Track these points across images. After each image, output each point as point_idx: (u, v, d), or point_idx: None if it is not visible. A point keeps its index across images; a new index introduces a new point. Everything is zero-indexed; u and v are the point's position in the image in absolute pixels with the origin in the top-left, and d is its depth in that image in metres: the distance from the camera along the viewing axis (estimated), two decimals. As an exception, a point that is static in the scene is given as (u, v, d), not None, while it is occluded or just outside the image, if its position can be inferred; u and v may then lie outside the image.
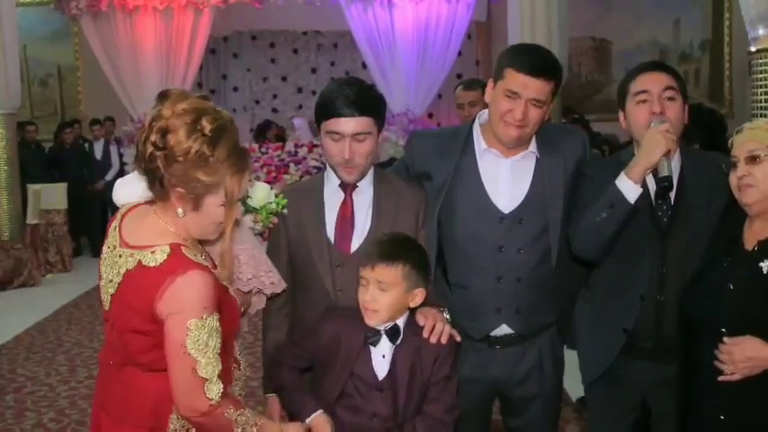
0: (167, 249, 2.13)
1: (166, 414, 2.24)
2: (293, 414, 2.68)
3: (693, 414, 2.67)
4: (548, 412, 3.09)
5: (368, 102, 2.72)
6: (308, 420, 2.56)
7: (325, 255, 2.81)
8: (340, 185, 2.84)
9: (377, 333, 2.58)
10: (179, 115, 2.10)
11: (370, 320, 2.57)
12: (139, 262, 2.14)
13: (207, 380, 2.12)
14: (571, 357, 3.13)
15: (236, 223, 2.35)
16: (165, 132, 2.10)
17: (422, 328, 2.63)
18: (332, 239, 2.83)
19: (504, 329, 2.95)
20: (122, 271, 2.18)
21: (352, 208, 2.85)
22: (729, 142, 2.63)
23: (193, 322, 2.08)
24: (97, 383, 2.45)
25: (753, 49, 4.29)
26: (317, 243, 2.82)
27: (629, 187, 2.71)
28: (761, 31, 4.17)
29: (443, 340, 2.62)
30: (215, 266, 2.32)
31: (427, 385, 2.62)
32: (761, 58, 4.20)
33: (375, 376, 2.59)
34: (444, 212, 2.93)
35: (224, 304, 2.25)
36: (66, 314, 8.41)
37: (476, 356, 2.96)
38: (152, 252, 2.13)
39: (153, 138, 2.11)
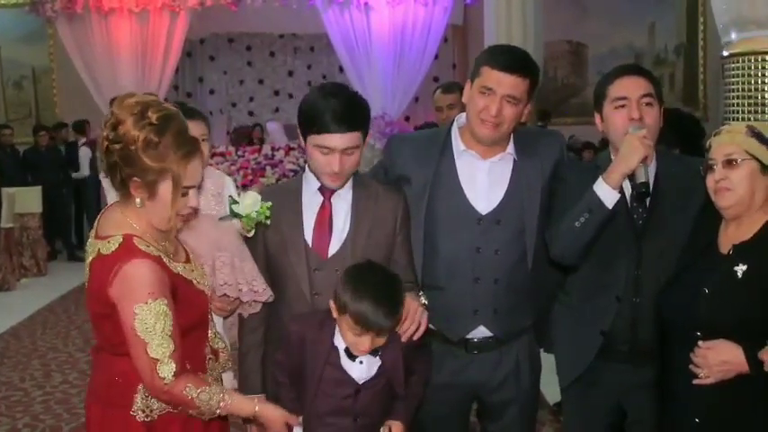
0: (120, 239, 2.29)
1: (132, 394, 2.36)
2: None
3: (669, 417, 2.69)
4: (525, 416, 3.11)
5: (356, 116, 2.71)
6: None
7: (302, 258, 2.81)
8: (319, 189, 2.85)
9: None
10: (126, 108, 2.28)
11: (364, 354, 2.59)
12: (98, 251, 2.31)
13: (158, 360, 2.25)
14: (547, 361, 3.15)
15: (195, 212, 2.52)
16: (115, 126, 2.27)
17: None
18: (309, 243, 2.83)
19: (481, 332, 2.96)
20: (89, 260, 2.35)
21: (331, 212, 2.85)
22: (707, 143, 2.65)
23: (138, 306, 2.23)
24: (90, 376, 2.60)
25: (725, 53, 4.33)
26: (295, 246, 2.82)
27: (606, 192, 2.72)
28: (733, 36, 4.21)
29: (415, 337, 2.68)
30: (188, 260, 2.51)
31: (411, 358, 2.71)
32: (733, 63, 4.23)
33: (353, 381, 2.61)
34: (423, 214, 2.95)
35: (183, 295, 2.38)
36: (42, 319, 8.34)
37: (454, 362, 2.97)
38: (108, 241, 2.30)
39: (106, 133, 2.29)
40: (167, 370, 2.25)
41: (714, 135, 2.64)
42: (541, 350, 3.17)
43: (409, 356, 2.69)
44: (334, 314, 2.58)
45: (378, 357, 2.62)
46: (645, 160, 2.70)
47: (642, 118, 2.78)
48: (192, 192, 2.38)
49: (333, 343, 2.61)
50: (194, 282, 2.47)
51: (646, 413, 2.85)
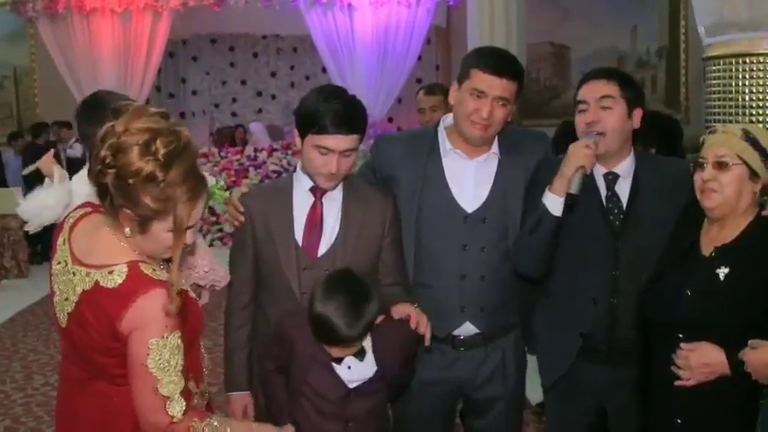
0: (125, 269, 2.08)
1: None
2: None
3: (651, 418, 2.71)
4: (510, 413, 3.13)
5: (357, 119, 2.75)
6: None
7: (292, 257, 2.82)
8: (310, 189, 2.86)
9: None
10: (132, 134, 2.02)
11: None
12: (97, 282, 2.09)
13: (169, 398, 2.09)
14: (530, 362, 3.16)
15: (189, 249, 2.32)
16: (116, 150, 2.02)
17: (394, 321, 2.67)
18: (299, 242, 2.84)
19: (468, 328, 2.99)
20: (78, 290, 2.12)
21: (322, 212, 2.86)
22: (701, 140, 2.65)
23: (154, 341, 2.05)
24: (61, 400, 2.38)
25: (706, 56, 4.36)
26: (285, 245, 2.83)
27: (551, 201, 2.75)
28: (714, 39, 4.24)
29: (427, 340, 2.67)
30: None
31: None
32: (714, 65, 4.26)
33: (343, 384, 2.58)
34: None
35: (186, 307, 2.19)
36: (23, 321, 8.29)
37: (440, 358, 3.00)
38: (109, 272, 2.08)
39: (103, 154, 2.03)
40: (178, 408, 2.09)
41: (709, 133, 2.65)
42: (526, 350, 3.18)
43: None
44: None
45: (371, 362, 2.59)
46: (582, 169, 2.71)
47: (598, 121, 2.80)
48: (189, 230, 2.14)
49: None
50: (188, 290, 2.32)
51: (627, 414, 2.86)
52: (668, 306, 2.60)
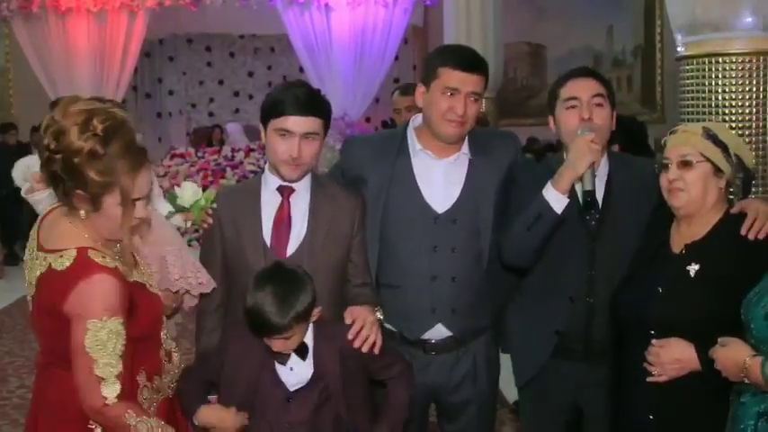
0: (73, 253, 2.21)
1: None
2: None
3: (623, 414, 2.73)
4: (483, 417, 3.13)
5: (317, 103, 2.77)
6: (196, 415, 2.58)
7: (260, 258, 2.81)
8: (278, 189, 2.86)
9: (286, 354, 2.59)
10: (70, 116, 2.17)
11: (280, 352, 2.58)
12: (50, 265, 2.22)
13: (104, 379, 2.18)
14: (507, 360, 3.16)
15: (146, 223, 2.43)
16: (58, 135, 2.17)
17: (343, 324, 2.68)
18: (268, 243, 2.84)
19: (439, 330, 2.98)
20: (37, 274, 2.26)
21: (290, 212, 2.86)
22: (663, 141, 2.69)
23: (92, 322, 2.16)
24: (34, 389, 2.50)
25: (680, 55, 4.40)
26: (253, 246, 2.83)
27: (555, 198, 2.74)
28: (687, 39, 4.28)
29: (365, 349, 2.64)
30: (137, 263, 2.44)
31: (366, 366, 2.69)
32: (688, 65, 4.30)
33: (285, 389, 2.60)
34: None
35: (140, 302, 2.33)
36: (-2, 322, 8.23)
37: (412, 362, 2.98)
38: (60, 256, 2.22)
39: (47, 142, 2.18)
40: (112, 390, 2.19)
41: (670, 133, 2.68)
42: (500, 349, 3.19)
43: (370, 365, 2.70)
44: None
45: (309, 364, 2.60)
46: (592, 166, 2.72)
47: (592, 118, 2.82)
48: (139, 203, 2.29)
49: (266, 345, 2.58)
50: (148, 286, 2.44)
51: (601, 411, 2.87)
52: (640, 304, 2.62)
